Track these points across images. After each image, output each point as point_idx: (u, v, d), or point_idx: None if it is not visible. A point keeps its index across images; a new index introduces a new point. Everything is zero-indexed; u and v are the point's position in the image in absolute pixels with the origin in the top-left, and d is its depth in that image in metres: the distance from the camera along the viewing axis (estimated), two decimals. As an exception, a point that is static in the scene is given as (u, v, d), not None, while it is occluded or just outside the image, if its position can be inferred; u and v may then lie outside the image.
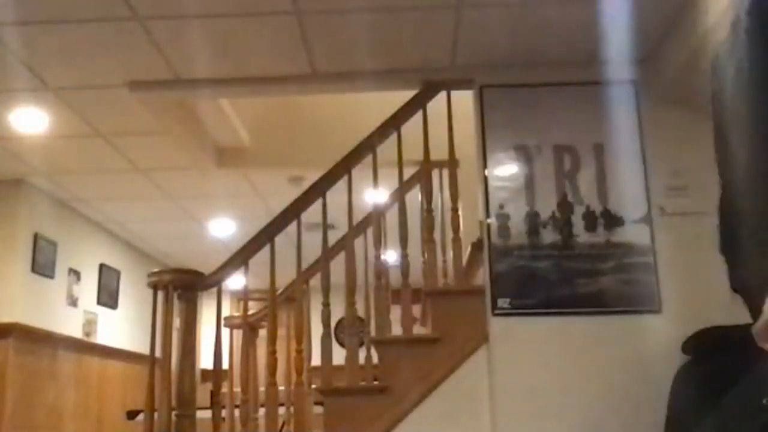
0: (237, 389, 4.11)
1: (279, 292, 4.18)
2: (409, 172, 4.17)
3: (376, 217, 3.88)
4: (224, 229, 7.19)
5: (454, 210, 3.82)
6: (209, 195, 6.24)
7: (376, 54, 3.83)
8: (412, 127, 3.85)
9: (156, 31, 3.59)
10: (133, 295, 7.43)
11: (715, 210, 1.24)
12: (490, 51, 3.82)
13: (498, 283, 3.69)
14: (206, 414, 3.62)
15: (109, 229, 7.09)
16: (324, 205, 3.75)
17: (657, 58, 3.74)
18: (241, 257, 3.69)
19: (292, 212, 3.76)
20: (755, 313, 1.06)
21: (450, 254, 3.96)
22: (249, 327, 4.39)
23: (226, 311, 5.86)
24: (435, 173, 4.29)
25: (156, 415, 3.36)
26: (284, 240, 3.72)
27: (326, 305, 3.68)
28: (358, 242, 4.07)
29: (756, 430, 1.49)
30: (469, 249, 4.20)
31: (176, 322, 3.44)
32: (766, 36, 1.10)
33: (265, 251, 3.69)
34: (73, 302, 6.37)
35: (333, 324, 3.75)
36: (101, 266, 6.96)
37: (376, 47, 3.76)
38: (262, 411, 3.91)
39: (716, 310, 2.68)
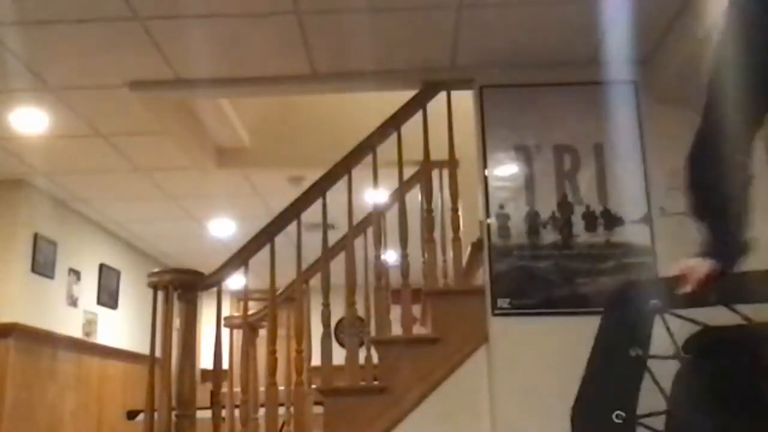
0: (237, 389, 4.11)
1: (279, 292, 4.18)
2: (409, 172, 4.16)
3: (376, 217, 3.89)
4: (224, 229, 7.19)
5: (454, 210, 3.82)
6: (209, 195, 6.24)
7: (376, 54, 3.83)
8: (412, 127, 3.85)
9: (156, 31, 3.59)
10: (133, 295, 7.43)
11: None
12: (490, 51, 3.82)
13: (498, 283, 3.69)
14: (206, 414, 3.63)
15: (109, 229, 7.09)
16: (324, 205, 3.75)
17: (657, 59, 3.74)
18: (241, 257, 3.70)
19: (292, 212, 3.76)
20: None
21: (450, 254, 3.96)
22: (249, 327, 4.39)
23: (226, 311, 5.84)
24: (435, 173, 4.29)
25: (156, 415, 3.36)
26: (284, 240, 3.72)
27: (326, 305, 3.68)
28: (358, 242, 4.07)
29: (757, 431, 1.49)
30: (469, 249, 4.20)
31: (176, 322, 3.44)
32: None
33: (265, 251, 3.69)
34: (73, 302, 6.36)
35: (333, 324, 3.76)
36: (101, 266, 6.96)
37: (376, 47, 3.76)
38: (262, 411, 3.91)
39: (716, 310, 2.68)
